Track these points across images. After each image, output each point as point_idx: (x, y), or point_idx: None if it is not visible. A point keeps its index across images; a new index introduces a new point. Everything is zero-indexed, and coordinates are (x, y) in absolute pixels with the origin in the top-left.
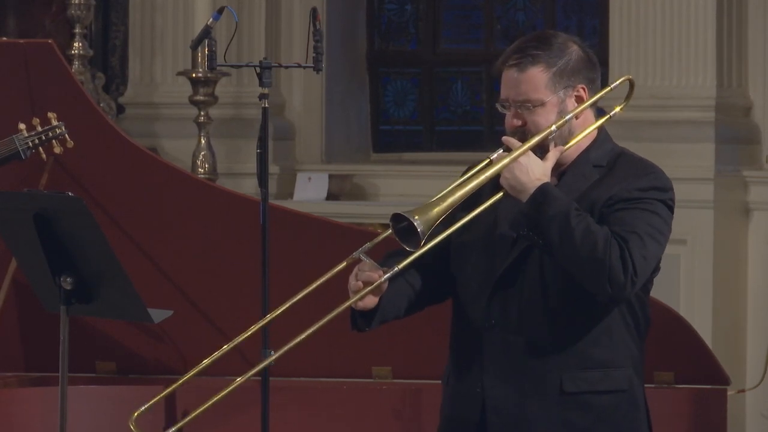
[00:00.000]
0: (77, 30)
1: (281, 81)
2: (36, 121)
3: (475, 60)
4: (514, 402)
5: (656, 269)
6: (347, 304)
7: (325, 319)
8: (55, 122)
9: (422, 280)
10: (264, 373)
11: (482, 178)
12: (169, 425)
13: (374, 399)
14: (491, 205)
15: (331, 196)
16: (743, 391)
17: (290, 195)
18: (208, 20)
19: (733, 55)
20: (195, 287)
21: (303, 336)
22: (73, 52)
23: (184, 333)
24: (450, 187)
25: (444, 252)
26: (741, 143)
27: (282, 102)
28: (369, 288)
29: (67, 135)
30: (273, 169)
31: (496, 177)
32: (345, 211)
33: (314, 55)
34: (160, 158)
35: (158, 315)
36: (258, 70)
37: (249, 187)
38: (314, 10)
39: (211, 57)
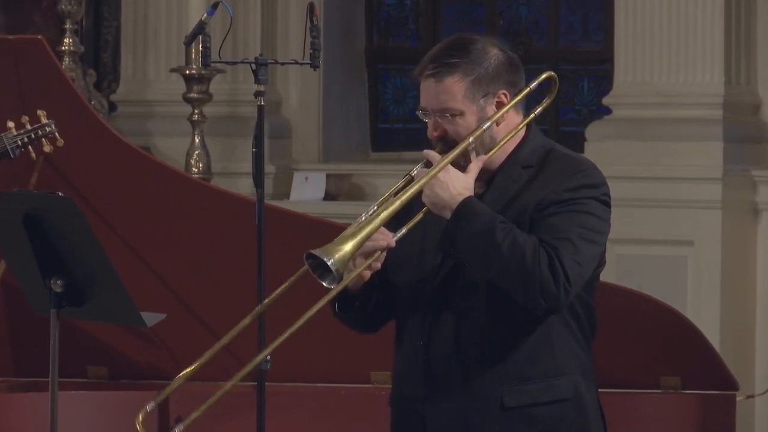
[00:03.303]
0: (68, 25)
1: (277, 78)
2: (25, 119)
3: None
4: (456, 421)
5: (600, 264)
6: (358, 272)
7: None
8: (44, 120)
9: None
10: (260, 378)
11: (402, 199)
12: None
13: (373, 404)
14: (417, 224)
15: (328, 196)
16: (752, 396)
17: (287, 195)
18: (203, 15)
19: (742, 52)
20: (189, 290)
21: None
22: (63, 48)
23: (178, 337)
24: (370, 212)
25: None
26: (749, 142)
27: (278, 99)
28: (376, 255)
29: (57, 133)
30: (269, 168)
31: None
32: (343, 211)
33: (311, 51)
34: (153, 157)
35: (151, 318)
36: (253, 66)
37: (244, 186)
38: (311, 5)
39: (206, 53)
